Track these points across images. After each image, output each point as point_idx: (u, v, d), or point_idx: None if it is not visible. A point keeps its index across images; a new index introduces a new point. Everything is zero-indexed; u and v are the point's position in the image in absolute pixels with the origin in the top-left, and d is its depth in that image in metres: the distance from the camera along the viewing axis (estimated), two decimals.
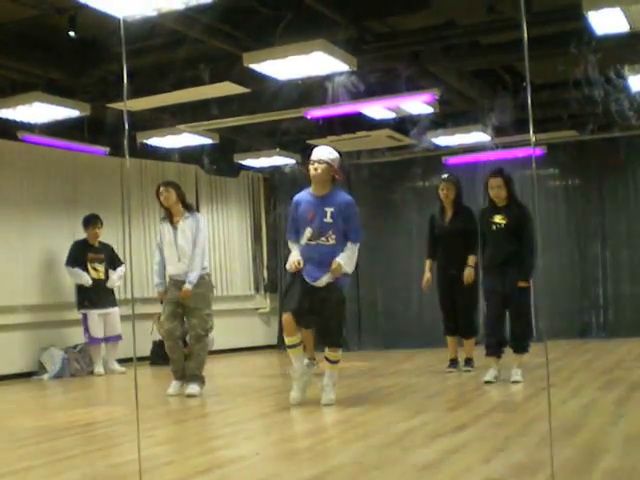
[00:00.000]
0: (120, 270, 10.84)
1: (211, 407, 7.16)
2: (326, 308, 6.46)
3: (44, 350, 10.34)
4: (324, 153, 6.58)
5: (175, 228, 7.83)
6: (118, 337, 10.63)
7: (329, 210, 6.43)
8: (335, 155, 6.60)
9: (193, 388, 7.62)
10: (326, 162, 6.51)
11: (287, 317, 6.45)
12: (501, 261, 7.44)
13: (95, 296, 10.43)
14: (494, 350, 7.56)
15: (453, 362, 8.81)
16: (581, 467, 3.98)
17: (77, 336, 10.70)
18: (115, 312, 10.62)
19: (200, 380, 7.72)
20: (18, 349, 10.23)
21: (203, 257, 7.85)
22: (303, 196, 6.64)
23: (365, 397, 7.14)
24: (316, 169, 6.50)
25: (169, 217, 7.90)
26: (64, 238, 10.96)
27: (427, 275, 8.88)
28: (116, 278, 10.75)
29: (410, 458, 4.46)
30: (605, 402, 6.13)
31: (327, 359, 6.59)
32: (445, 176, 8.99)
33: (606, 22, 6.53)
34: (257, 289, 13.98)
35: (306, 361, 8.04)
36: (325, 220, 6.42)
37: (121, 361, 10.56)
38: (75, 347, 10.56)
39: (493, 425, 5.42)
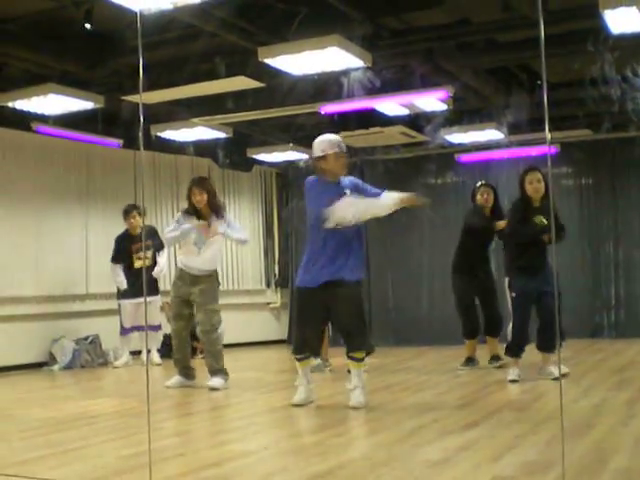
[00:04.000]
0: (163, 257, 10.57)
1: (221, 401, 7.17)
2: (343, 307, 6.24)
3: (55, 341, 10.37)
4: (340, 142, 6.42)
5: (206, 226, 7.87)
6: (157, 327, 10.61)
7: (347, 192, 6.31)
8: (343, 144, 6.49)
9: (214, 382, 7.68)
10: (343, 155, 6.41)
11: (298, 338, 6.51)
12: (540, 264, 7.37)
13: (132, 287, 10.25)
14: (518, 351, 7.57)
15: (470, 360, 8.81)
16: (592, 467, 3.98)
17: (88, 327, 10.74)
18: (154, 300, 10.48)
19: (221, 373, 7.78)
20: (29, 340, 10.25)
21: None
22: (319, 184, 6.43)
23: (375, 393, 7.14)
24: (344, 163, 6.40)
25: (196, 214, 7.88)
26: (77, 230, 11.00)
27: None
28: (158, 270, 10.50)
29: (420, 455, 4.46)
30: (616, 402, 6.12)
31: (351, 358, 6.30)
32: (483, 182, 9.04)
33: (622, 21, 6.51)
34: (268, 284, 13.98)
35: (318, 361, 8.06)
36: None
37: (132, 353, 10.57)
38: (86, 338, 10.57)
39: (503, 423, 5.42)
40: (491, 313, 8.75)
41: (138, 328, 10.44)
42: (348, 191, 6.31)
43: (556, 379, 7.27)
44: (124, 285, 10.29)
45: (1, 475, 4.27)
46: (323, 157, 6.33)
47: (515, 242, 7.75)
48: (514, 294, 7.64)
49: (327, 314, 6.40)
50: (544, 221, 7.36)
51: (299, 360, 6.48)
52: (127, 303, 10.31)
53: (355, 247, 6.31)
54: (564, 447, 3.56)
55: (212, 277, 7.87)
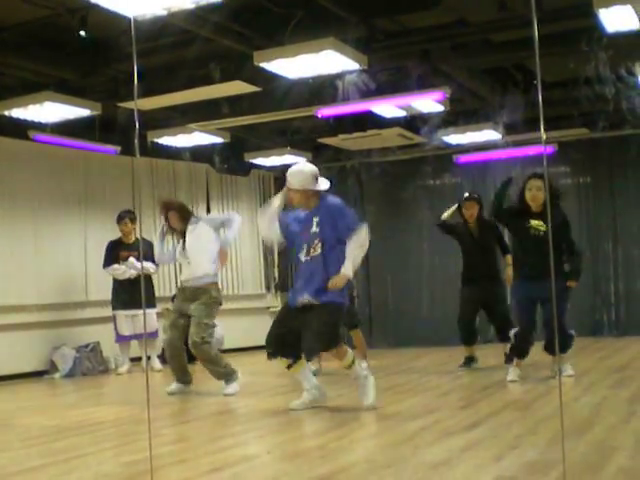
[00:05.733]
0: (149, 265, 10.27)
1: (221, 406, 7.16)
2: (314, 320, 6.18)
3: (56, 349, 10.37)
4: (294, 179, 6.34)
5: (183, 237, 8.01)
6: (154, 334, 10.55)
7: (315, 220, 6.27)
8: (306, 174, 6.32)
9: (228, 390, 7.70)
10: (296, 190, 6.32)
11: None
12: (540, 269, 7.32)
13: (127, 296, 10.26)
14: (521, 354, 7.59)
15: (470, 359, 8.82)
16: (593, 465, 3.97)
17: (89, 335, 10.73)
18: (150, 311, 10.42)
19: (226, 377, 7.78)
20: (30, 348, 10.24)
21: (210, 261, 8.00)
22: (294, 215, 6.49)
23: (376, 395, 7.13)
24: (292, 198, 6.37)
25: (171, 230, 8.10)
26: (75, 237, 11.00)
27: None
28: (135, 266, 10.32)
29: (422, 456, 4.45)
30: (617, 400, 6.12)
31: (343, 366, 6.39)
32: (468, 194, 9.06)
33: (617, 20, 6.52)
34: (268, 288, 13.98)
35: (313, 368, 8.02)
36: (312, 230, 6.27)
37: (132, 360, 10.55)
38: (87, 346, 10.56)
39: (505, 423, 5.42)
40: (495, 320, 8.73)
41: (135, 336, 10.44)
42: (315, 221, 6.28)
43: (570, 376, 7.39)
44: (126, 271, 10.28)
45: None
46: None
47: (515, 249, 7.76)
48: (515, 300, 7.67)
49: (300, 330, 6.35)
50: (541, 227, 7.35)
51: (288, 368, 6.50)
52: (122, 314, 10.32)
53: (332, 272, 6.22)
54: (565, 446, 3.56)
55: (208, 292, 7.88)
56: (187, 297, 7.86)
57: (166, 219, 8.08)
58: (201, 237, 7.95)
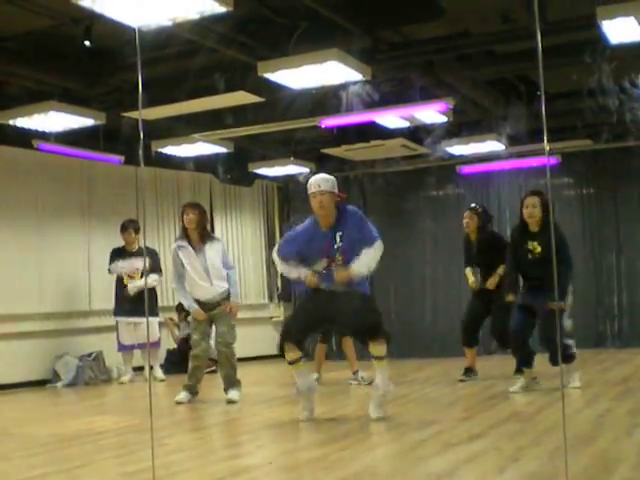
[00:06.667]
0: (151, 278, 10.46)
1: (225, 416, 7.16)
2: (351, 305, 6.19)
3: (59, 358, 10.37)
4: (323, 182, 6.29)
5: (200, 252, 7.91)
6: (156, 344, 10.58)
7: (338, 235, 6.26)
8: (333, 179, 6.35)
9: (234, 394, 7.77)
10: (328, 191, 6.26)
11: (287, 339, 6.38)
12: (538, 283, 7.34)
13: (130, 304, 10.25)
14: (520, 365, 7.72)
15: (469, 370, 8.84)
16: (596, 477, 3.97)
17: (92, 344, 10.74)
18: (152, 321, 10.47)
19: (239, 385, 7.89)
20: (33, 357, 10.25)
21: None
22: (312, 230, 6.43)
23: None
24: (321, 201, 6.24)
25: (188, 241, 7.95)
26: (79, 246, 11.01)
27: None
28: (138, 285, 10.29)
29: (424, 468, 4.45)
30: (620, 412, 6.11)
31: (373, 356, 6.33)
32: (471, 205, 9.19)
33: (620, 31, 6.52)
34: (271, 298, 13.98)
35: (316, 375, 8.03)
36: (335, 246, 6.25)
37: (135, 369, 10.55)
38: (90, 355, 10.56)
39: (507, 435, 5.41)
40: (494, 330, 8.75)
41: (137, 346, 10.45)
42: (338, 237, 6.26)
43: (576, 388, 7.44)
44: (125, 265, 10.31)
45: None
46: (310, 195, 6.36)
47: (513, 261, 7.78)
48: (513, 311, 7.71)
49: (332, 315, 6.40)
50: (537, 248, 7.38)
51: (291, 363, 6.40)
52: (123, 322, 10.31)
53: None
54: (567, 458, 3.56)
55: (225, 301, 7.97)
56: (208, 309, 7.90)
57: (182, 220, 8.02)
58: (219, 254, 8.00)
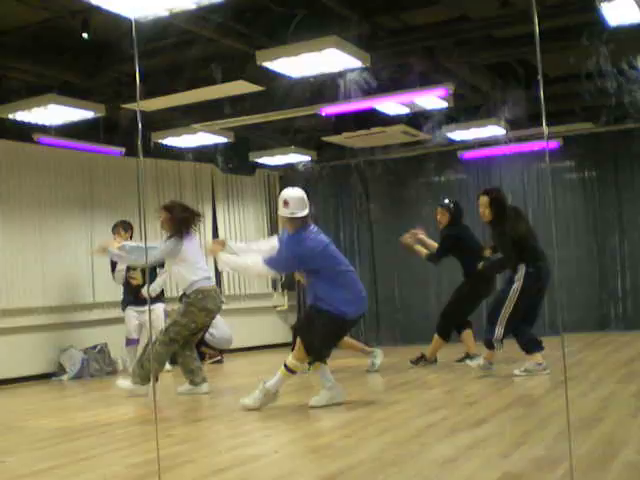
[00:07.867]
0: (161, 277, 10.32)
1: (229, 405, 7.17)
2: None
3: (63, 351, 10.39)
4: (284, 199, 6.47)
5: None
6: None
7: None
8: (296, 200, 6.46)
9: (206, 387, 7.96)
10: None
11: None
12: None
13: (133, 295, 10.22)
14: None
15: (467, 356, 9.00)
16: (600, 460, 3.98)
17: (96, 337, 10.75)
18: (157, 307, 10.34)
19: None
20: (38, 350, 10.26)
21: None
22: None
23: (384, 393, 7.14)
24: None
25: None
26: (81, 239, 11.02)
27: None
28: (151, 289, 10.29)
29: (429, 454, 4.46)
30: (624, 395, 6.12)
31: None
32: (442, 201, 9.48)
33: (619, 13, 6.51)
34: (275, 287, 13.98)
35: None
36: None
37: None
38: (94, 348, 10.57)
39: (512, 419, 5.42)
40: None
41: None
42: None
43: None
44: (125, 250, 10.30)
45: None
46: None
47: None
48: None
49: None
50: (486, 253, 8.23)
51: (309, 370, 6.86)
52: (131, 312, 10.28)
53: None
54: (572, 441, 3.56)
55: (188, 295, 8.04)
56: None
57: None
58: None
